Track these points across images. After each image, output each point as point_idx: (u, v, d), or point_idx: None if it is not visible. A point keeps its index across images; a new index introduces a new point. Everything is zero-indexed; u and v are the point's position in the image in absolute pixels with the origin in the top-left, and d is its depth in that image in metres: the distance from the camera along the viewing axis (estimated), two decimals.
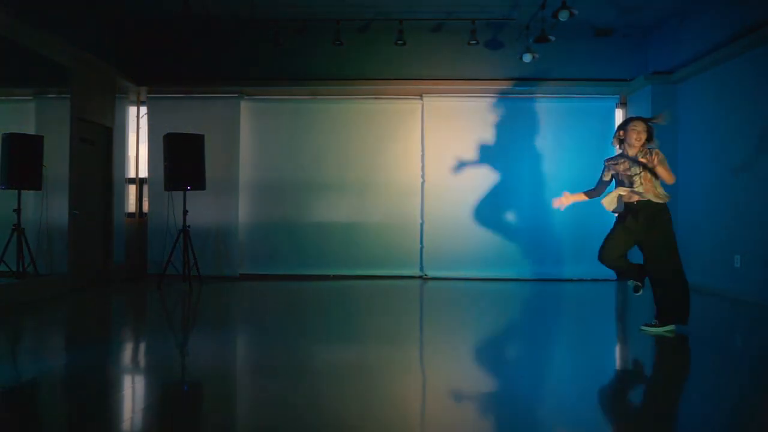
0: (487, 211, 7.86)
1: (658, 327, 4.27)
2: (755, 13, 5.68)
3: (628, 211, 4.28)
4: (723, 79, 6.33)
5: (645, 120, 4.30)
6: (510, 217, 7.86)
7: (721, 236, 6.28)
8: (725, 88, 6.29)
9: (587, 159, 7.84)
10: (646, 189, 4.18)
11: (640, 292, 4.53)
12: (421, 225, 7.95)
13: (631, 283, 4.58)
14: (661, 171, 4.09)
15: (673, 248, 4.19)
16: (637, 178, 4.22)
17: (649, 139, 4.22)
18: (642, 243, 4.27)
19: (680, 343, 4.10)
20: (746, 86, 5.93)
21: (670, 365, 3.70)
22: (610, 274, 7.69)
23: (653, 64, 7.56)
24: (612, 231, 4.39)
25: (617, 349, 4.19)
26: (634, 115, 4.56)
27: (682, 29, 6.99)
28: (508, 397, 2.94)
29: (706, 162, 6.63)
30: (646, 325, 4.34)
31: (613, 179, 4.47)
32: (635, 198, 4.22)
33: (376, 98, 8.00)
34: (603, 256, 4.37)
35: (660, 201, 4.19)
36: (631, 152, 4.26)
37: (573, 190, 7.75)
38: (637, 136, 4.20)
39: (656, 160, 4.06)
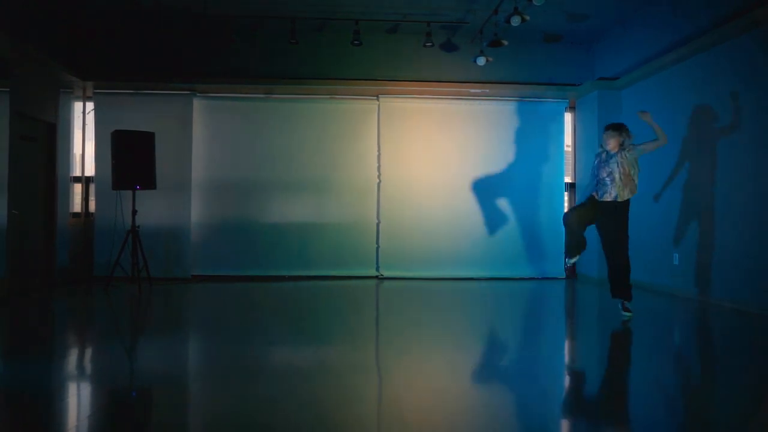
0: (442, 211, 7.96)
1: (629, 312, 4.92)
2: (690, 25, 5.99)
3: (598, 204, 4.92)
4: (663, 86, 6.64)
5: (611, 126, 4.95)
6: (464, 216, 7.99)
7: (662, 236, 6.59)
8: (666, 95, 6.61)
9: (539, 161, 8.09)
10: (624, 184, 4.79)
11: (573, 260, 5.05)
12: (378, 225, 7.98)
13: (569, 260, 5.06)
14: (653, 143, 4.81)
15: (626, 237, 4.87)
16: (616, 175, 4.80)
17: (624, 139, 4.88)
18: (600, 228, 4.92)
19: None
20: (684, 93, 6.26)
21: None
22: (560, 272, 7.99)
23: (600, 70, 7.86)
24: (583, 203, 5.01)
25: (568, 346, 4.34)
26: (608, 123, 5.14)
27: (626, 37, 7.30)
28: (464, 396, 3.01)
29: (648, 165, 6.93)
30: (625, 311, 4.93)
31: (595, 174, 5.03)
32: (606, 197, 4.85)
33: (332, 98, 7.98)
34: (568, 219, 4.97)
35: (632, 194, 4.84)
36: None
37: (525, 191, 8.07)
38: (608, 141, 4.89)
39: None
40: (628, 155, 4.82)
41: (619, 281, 4.90)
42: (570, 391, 3.19)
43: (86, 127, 7.84)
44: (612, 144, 4.87)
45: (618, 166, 4.80)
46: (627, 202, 4.85)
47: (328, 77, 7.75)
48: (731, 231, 5.53)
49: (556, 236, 8.04)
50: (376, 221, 7.99)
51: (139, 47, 7.59)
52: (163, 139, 7.19)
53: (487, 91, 7.90)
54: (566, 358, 3.99)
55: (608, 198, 4.82)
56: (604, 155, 4.94)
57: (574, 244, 4.96)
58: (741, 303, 5.35)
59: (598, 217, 4.91)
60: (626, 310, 4.90)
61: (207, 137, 7.82)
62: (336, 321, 5.18)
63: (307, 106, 7.94)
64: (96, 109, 7.67)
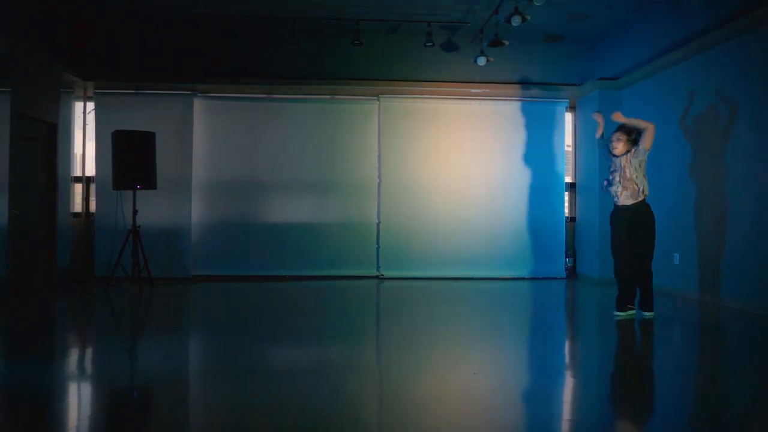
0: (442, 211, 7.96)
1: (629, 311, 4.95)
2: (690, 25, 5.99)
3: (616, 216, 4.95)
4: (664, 86, 6.63)
5: (622, 129, 4.94)
6: (464, 216, 7.98)
7: (662, 236, 6.57)
8: (666, 95, 6.60)
9: (539, 161, 8.08)
10: (624, 187, 4.83)
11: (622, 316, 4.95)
12: (378, 225, 7.98)
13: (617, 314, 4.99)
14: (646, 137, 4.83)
15: (652, 245, 4.91)
16: (616, 176, 4.88)
17: (634, 141, 4.91)
18: (629, 239, 4.93)
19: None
20: (684, 93, 6.24)
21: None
22: (560, 272, 7.98)
23: (600, 70, 7.85)
24: (613, 241, 5.00)
25: (570, 345, 4.34)
26: (618, 124, 5.09)
27: (626, 37, 7.29)
28: (465, 396, 3.01)
29: (649, 165, 6.91)
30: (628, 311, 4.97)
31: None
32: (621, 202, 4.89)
33: (332, 98, 7.99)
34: (620, 268, 4.95)
35: (638, 199, 4.82)
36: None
37: (525, 191, 8.06)
38: (615, 145, 4.92)
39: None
40: (632, 159, 4.86)
41: (642, 291, 4.95)
42: (572, 392, 3.19)
43: (87, 127, 7.84)
44: (620, 148, 4.89)
45: (620, 169, 4.88)
46: (643, 210, 4.83)
47: (328, 77, 7.75)
48: (732, 231, 5.52)
49: (556, 236, 8.06)
50: (376, 221, 7.99)
51: (139, 47, 7.58)
52: (163, 139, 7.19)
53: (488, 91, 7.89)
54: (567, 358, 3.98)
55: (618, 202, 4.91)
56: (615, 160, 4.96)
57: (627, 296, 4.94)
58: (742, 303, 5.34)
59: (625, 229, 4.89)
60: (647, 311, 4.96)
61: (207, 137, 7.82)
62: (337, 321, 5.18)
63: (307, 106, 7.94)
64: (96, 109, 7.67)
